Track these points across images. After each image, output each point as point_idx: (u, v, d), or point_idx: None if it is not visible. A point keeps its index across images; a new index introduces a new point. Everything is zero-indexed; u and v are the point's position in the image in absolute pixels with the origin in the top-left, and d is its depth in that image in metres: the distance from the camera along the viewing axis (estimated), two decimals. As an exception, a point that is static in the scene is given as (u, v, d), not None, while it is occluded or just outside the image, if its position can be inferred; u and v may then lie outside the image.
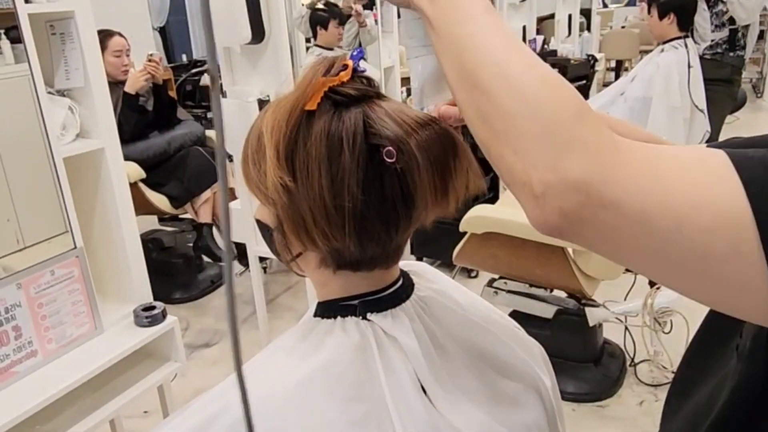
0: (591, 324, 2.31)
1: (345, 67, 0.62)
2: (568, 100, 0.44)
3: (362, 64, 0.64)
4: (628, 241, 0.42)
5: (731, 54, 3.63)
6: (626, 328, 2.49)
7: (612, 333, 2.57)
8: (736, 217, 0.39)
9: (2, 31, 1.59)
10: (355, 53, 0.64)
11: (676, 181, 0.41)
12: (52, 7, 1.53)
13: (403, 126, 0.59)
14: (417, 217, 0.64)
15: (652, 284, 2.30)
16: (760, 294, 0.39)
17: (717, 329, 0.60)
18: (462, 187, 0.64)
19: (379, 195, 0.60)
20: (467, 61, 0.48)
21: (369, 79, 0.64)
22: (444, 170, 0.61)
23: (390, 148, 0.58)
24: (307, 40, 4.08)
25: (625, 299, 2.49)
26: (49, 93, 1.56)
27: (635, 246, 0.42)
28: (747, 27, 3.69)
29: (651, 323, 2.29)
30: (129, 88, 2.95)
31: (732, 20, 3.59)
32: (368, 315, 0.66)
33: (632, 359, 2.50)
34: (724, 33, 3.59)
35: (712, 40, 3.61)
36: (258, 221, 0.68)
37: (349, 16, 4.18)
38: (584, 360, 2.39)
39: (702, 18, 3.51)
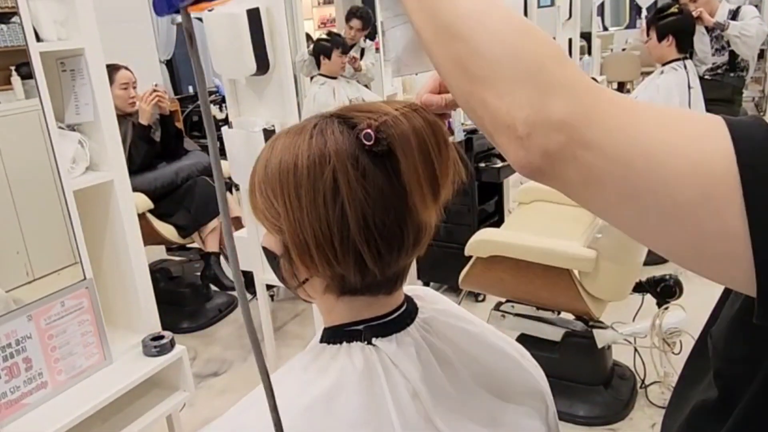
0: (599, 346, 2.30)
1: None
2: (547, 46, 0.46)
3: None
4: (605, 183, 0.43)
5: (732, 75, 3.66)
6: (635, 349, 2.47)
7: (621, 355, 2.55)
8: (717, 167, 0.39)
9: (13, 68, 1.63)
10: None
11: (656, 127, 0.42)
12: (63, 45, 1.57)
13: (388, 113, 0.61)
14: (418, 232, 0.65)
15: (659, 305, 2.30)
16: (729, 246, 0.40)
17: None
18: (450, 175, 0.64)
19: (380, 212, 0.61)
20: (442, 15, 0.49)
21: None
22: (430, 156, 0.61)
23: (368, 130, 0.59)
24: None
25: (633, 320, 2.47)
26: (60, 128, 1.59)
27: (611, 188, 0.43)
28: None
29: (660, 344, 2.27)
30: (143, 119, 3.01)
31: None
32: (373, 340, 0.67)
33: (643, 381, 2.47)
34: (724, 57, 3.63)
35: (713, 63, 3.65)
36: (265, 249, 0.70)
37: (353, 45, 4.25)
38: (594, 383, 2.37)
39: (702, 43, 3.55)
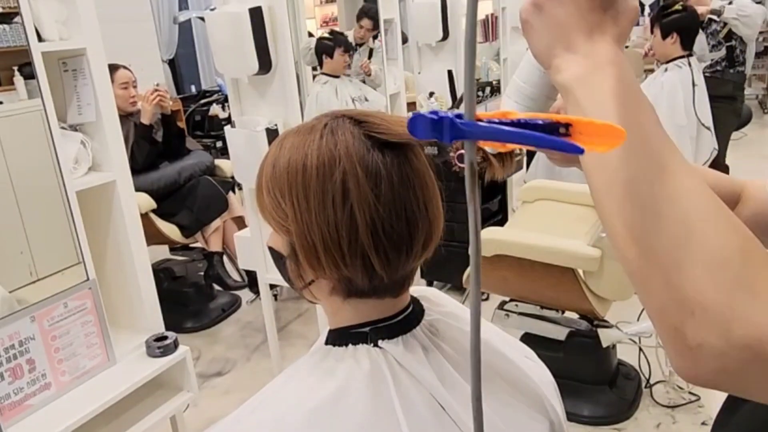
0: (604, 345, 2.29)
1: None
2: (738, 234, 0.37)
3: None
4: None
5: (731, 71, 3.66)
6: (640, 349, 2.46)
7: (626, 354, 2.54)
8: None
9: (16, 68, 1.63)
10: None
11: None
12: (65, 45, 1.56)
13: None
14: (428, 236, 0.65)
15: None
16: None
17: None
18: None
19: (390, 216, 0.61)
20: (615, 169, 0.40)
21: None
22: None
23: (462, 151, 0.58)
24: (314, 68, 4.14)
25: (637, 319, 2.46)
26: (62, 128, 1.59)
27: None
28: (744, 43, 3.73)
29: (665, 343, 2.26)
30: (145, 119, 3.01)
31: (728, 38, 3.63)
32: (379, 342, 0.66)
33: (648, 380, 2.46)
34: (722, 52, 3.64)
35: (712, 59, 3.65)
36: (271, 249, 0.69)
37: (361, 44, 4.25)
38: (599, 382, 2.36)
39: (698, 40, 3.54)
